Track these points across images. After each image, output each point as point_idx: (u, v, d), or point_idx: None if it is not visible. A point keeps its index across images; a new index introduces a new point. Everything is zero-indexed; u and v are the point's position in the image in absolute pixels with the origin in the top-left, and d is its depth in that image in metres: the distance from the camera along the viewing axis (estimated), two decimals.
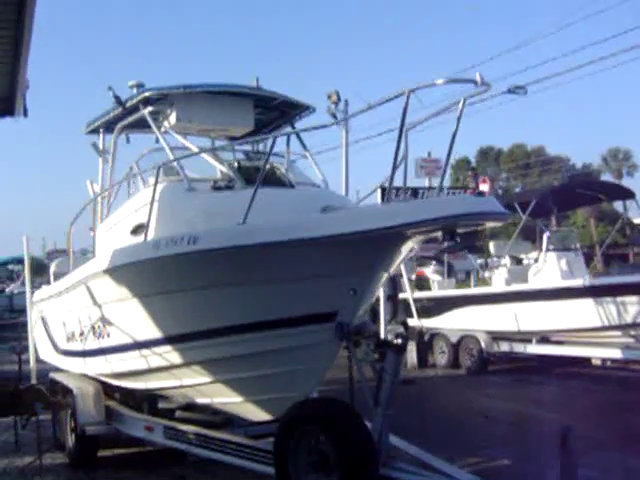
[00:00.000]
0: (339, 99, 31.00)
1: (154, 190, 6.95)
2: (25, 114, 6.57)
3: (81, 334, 8.66)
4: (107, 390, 8.95)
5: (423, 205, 5.56)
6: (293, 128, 9.20)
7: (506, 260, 16.77)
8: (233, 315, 6.35)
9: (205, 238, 6.09)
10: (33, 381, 10.46)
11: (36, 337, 11.66)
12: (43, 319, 10.79)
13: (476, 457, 8.49)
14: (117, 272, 7.15)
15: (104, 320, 7.87)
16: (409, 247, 5.98)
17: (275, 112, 9.32)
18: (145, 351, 7.41)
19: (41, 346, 11.31)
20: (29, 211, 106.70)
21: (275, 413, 6.73)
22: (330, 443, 5.53)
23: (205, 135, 9.12)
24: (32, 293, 11.96)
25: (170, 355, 7.16)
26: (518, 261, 16.50)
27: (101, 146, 9.30)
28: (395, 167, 5.49)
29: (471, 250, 16.54)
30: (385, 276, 6.44)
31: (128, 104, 8.25)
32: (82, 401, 8.33)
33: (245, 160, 8.21)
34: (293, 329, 6.17)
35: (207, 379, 7.11)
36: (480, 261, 20.64)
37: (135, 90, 8.26)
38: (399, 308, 19.30)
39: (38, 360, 11.67)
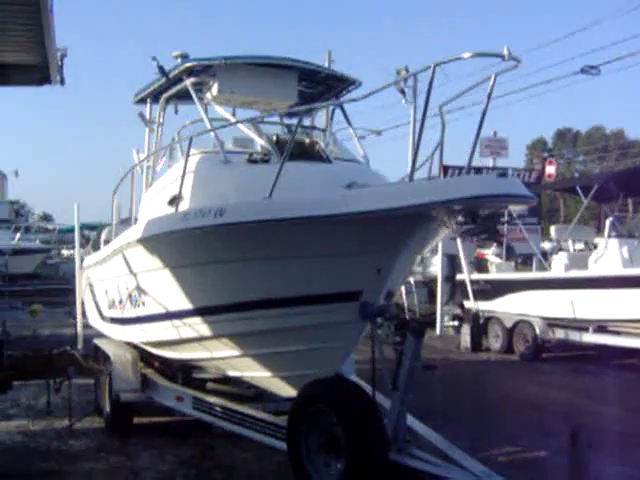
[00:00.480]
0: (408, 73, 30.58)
1: (185, 161, 6.91)
2: (62, 82, 6.57)
3: (120, 302, 8.77)
4: (147, 358, 9.07)
5: (439, 186, 5.32)
6: (341, 106, 8.98)
7: (568, 244, 16.28)
8: (258, 290, 6.29)
9: (231, 211, 6.02)
10: (79, 346, 10.67)
11: (85, 303, 11.89)
12: (90, 285, 10.99)
13: (512, 446, 8.26)
14: (149, 242, 7.17)
15: (139, 289, 7.93)
16: (438, 227, 5.75)
17: (321, 86, 9.13)
18: (177, 321, 7.43)
19: (89, 312, 11.53)
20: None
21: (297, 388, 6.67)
22: (340, 426, 5.43)
23: (249, 107, 9.00)
24: (81, 260, 12.20)
25: (200, 327, 7.16)
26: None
27: (148, 116, 9.32)
28: (418, 144, 5.27)
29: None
30: (415, 257, 6.26)
31: (171, 74, 8.21)
32: (118, 368, 8.43)
33: (286, 134, 8.08)
34: (317, 307, 6.07)
35: (236, 352, 7.09)
36: (548, 245, 20.11)
37: (179, 61, 8.21)
38: (457, 290, 19.07)
39: (88, 326, 11.91)
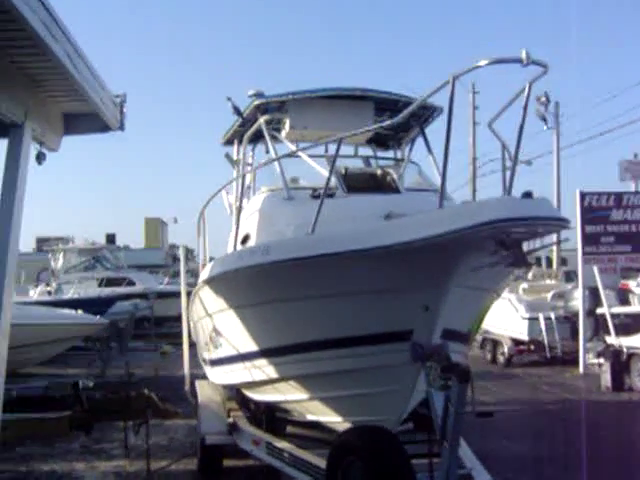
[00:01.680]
0: (549, 101, 29.36)
1: (240, 201, 6.85)
2: (122, 128, 6.69)
3: (206, 343, 8.77)
4: (243, 401, 8.97)
5: (458, 213, 4.81)
6: (422, 131, 8.59)
7: None
8: (304, 331, 6.03)
9: (275, 249, 5.83)
10: (186, 387, 10.78)
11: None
12: (194, 325, 11.13)
13: None
14: (212, 283, 7.11)
15: (215, 330, 7.89)
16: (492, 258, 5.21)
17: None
18: (247, 363, 7.29)
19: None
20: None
21: None
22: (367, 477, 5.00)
23: (323, 142, 8.81)
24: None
25: (267, 369, 6.98)
26: None
27: (235, 156, 9.36)
28: (445, 168, 4.82)
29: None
30: (484, 293, 5.74)
31: (245, 114, 8.21)
32: (204, 410, 8.40)
33: (356, 167, 7.83)
34: (366, 348, 5.71)
35: (303, 395, 6.83)
36: None
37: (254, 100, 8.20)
38: (600, 324, 17.70)
39: None
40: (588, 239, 17.57)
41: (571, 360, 17.90)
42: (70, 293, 23.43)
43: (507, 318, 19.26)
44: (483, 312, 6.36)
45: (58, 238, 33.68)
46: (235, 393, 9.13)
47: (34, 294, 24.37)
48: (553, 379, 16.66)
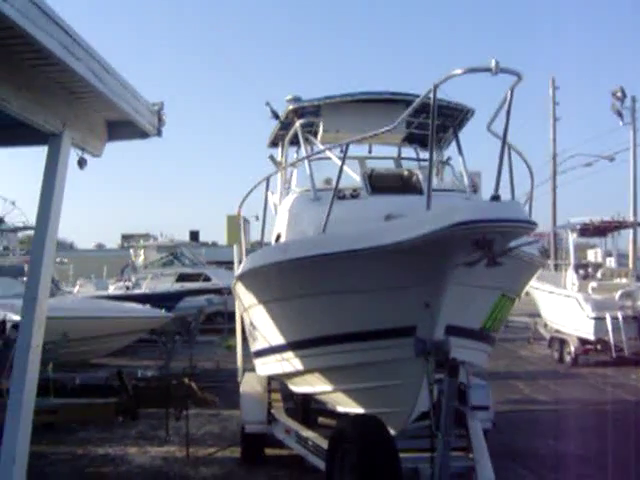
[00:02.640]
0: (624, 95, 28.62)
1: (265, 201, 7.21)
2: (159, 134, 7.17)
3: (249, 335, 9.21)
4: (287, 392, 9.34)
5: (435, 216, 5.01)
6: (455, 133, 8.75)
7: None
8: (319, 326, 6.37)
9: (291, 248, 6.18)
10: (239, 379, 11.25)
11: None
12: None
13: None
14: (244, 278, 7.52)
15: (252, 324, 8.30)
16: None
17: (441, 117, 8.96)
18: (277, 355, 7.67)
19: None
20: None
21: (395, 428, 6.54)
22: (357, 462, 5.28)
23: (360, 144, 9.09)
24: None
25: (294, 361, 7.33)
26: None
27: (279, 158, 9.77)
28: (431, 163, 5.05)
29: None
30: (472, 290, 5.91)
31: (282, 118, 8.59)
32: (245, 400, 8.82)
33: (384, 168, 8.09)
34: (375, 342, 5.99)
35: (327, 387, 7.15)
36: None
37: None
38: None
39: None
40: None
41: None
42: (142, 288, 24.45)
43: (574, 317, 19.02)
44: (497, 310, 6.49)
45: (142, 235, 35.04)
46: (281, 385, 9.52)
47: (112, 289, 25.54)
48: (617, 380, 16.37)
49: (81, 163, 6.90)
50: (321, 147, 8.35)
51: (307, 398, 8.56)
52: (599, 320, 18.02)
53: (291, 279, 6.33)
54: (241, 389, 8.99)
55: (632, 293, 18.77)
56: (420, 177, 7.66)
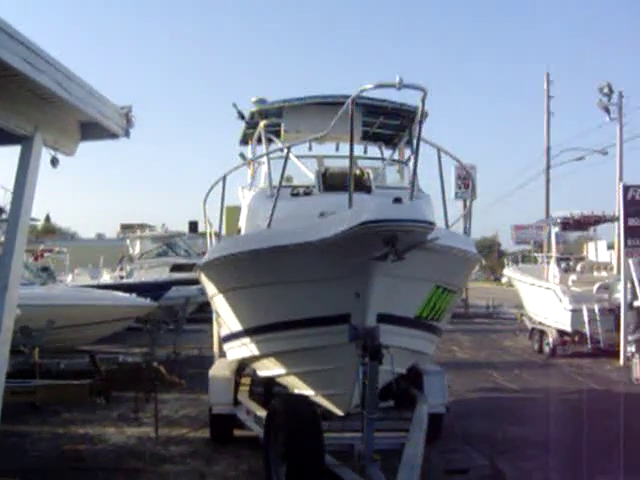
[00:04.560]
0: (611, 91, 28.98)
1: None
2: (127, 135, 7.69)
3: (215, 321, 9.79)
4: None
5: (346, 217, 5.55)
6: (410, 135, 9.27)
7: None
8: (265, 314, 6.93)
9: (240, 242, 6.75)
10: (216, 363, 11.83)
11: None
12: None
13: None
14: (203, 269, 8.11)
15: (216, 311, 8.89)
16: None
17: (398, 118, 9.50)
18: (236, 342, 8.24)
19: None
20: None
21: (340, 409, 7.11)
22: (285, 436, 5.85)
23: (321, 143, 9.62)
24: None
25: (250, 346, 7.90)
26: None
27: (249, 155, 10.31)
28: (351, 164, 5.59)
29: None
30: (402, 281, 6.42)
31: (247, 118, 9.14)
32: (212, 382, 9.38)
33: (338, 167, 8.60)
34: (315, 329, 6.56)
35: (281, 371, 7.72)
36: None
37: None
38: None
39: None
40: (631, 232, 17.66)
41: (616, 352, 18.04)
42: (133, 277, 25.08)
43: (552, 309, 19.57)
44: (433, 300, 7.02)
45: (140, 225, 35.58)
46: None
47: (107, 278, 26.16)
48: (591, 370, 16.91)
49: (54, 162, 7.44)
50: (280, 145, 8.91)
51: (270, 382, 9.13)
52: (576, 312, 18.55)
53: (239, 271, 6.92)
54: (210, 372, 9.54)
55: (609, 286, 19.28)
56: (371, 176, 8.20)
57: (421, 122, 5.64)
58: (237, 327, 7.94)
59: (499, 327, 29.20)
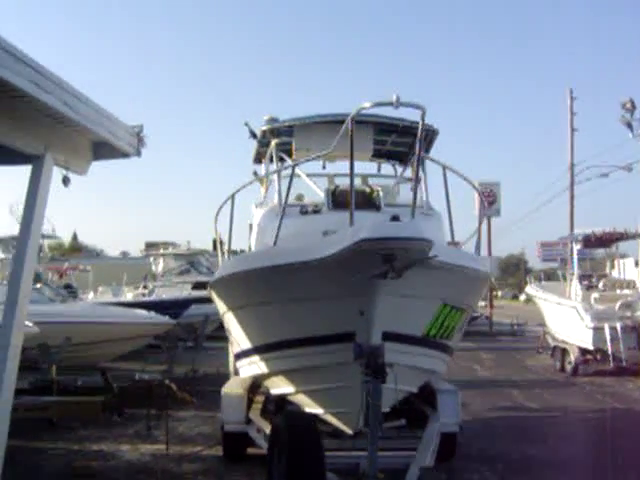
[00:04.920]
0: (634, 107, 28.83)
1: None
2: (138, 154, 7.78)
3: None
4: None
5: (348, 234, 5.54)
6: (426, 152, 9.25)
7: None
8: (272, 332, 6.93)
9: (247, 259, 6.78)
10: (230, 381, 11.86)
11: None
12: None
13: None
14: (213, 287, 8.14)
15: (227, 329, 8.91)
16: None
17: (412, 137, 9.49)
18: (246, 359, 8.26)
19: None
20: None
21: (350, 427, 7.08)
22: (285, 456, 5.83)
23: (332, 161, 9.65)
24: None
25: (260, 364, 7.91)
26: None
27: (263, 173, 10.38)
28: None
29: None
30: (408, 300, 6.40)
31: (259, 137, 9.21)
32: (225, 400, 9.38)
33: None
34: (321, 347, 6.55)
35: (290, 389, 7.71)
36: None
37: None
38: None
39: None
40: None
41: (638, 371, 17.78)
42: (154, 295, 25.25)
43: (574, 327, 19.34)
44: (441, 318, 6.98)
45: (164, 243, 35.89)
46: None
47: (130, 296, 26.38)
48: (613, 389, 16.67)
49: (65, 181, 7.54)
50: (290, 163, 8.96)
51: (282, 400, 9.12)
52: (598, 330, 18.30)
53: (245, 288, 6.96)
54: (222, 390, 9.55)
55: (632, 304, 19.01)
56: (381, 194, 8.21)
57: (421, 140, 5.66)
58: (247, 345, 7.95)
59: (522, 345, 28.93)
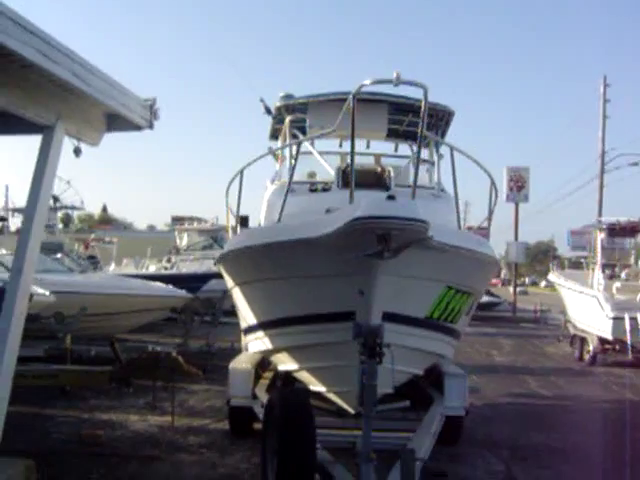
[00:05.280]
0: None
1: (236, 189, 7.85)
2: (151, 127, 7.79)
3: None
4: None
5: (344, 213, 5.49)
6: (437, 134, 9.18)
7: None
8: (277, 308, 6.95)
9: (252, 235, 6.78)
10: (239, 356, 11.93)
11: None
12: None
13: None
14: (221, 262, 8.17)
15: (234, 304, 8.95)
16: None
17: (429, 118, 9.38)
18: (253, 335, 8.29)
19: None
20: None
21: (351, 407, 7.09)
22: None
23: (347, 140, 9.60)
24: None
25: (265, 340, 7.93)
26: None
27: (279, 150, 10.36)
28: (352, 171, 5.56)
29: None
30: (408, 280, 6.35)
31: (274, 113, 9.19)
32: (232, 375, 9.43)
33: (360, 164, 8.58)
34: (322, 325, 6.55)
35: (295, 366, 7.73)
36: None
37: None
38: None
39: None
40: None
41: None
42: (175, 269, 25.46)
43: (594, 316, 19.15)
44: (445, 301, 6.92)
45: (190, 218, 36.11)
46: None
47: (153, 269, 26.64)
48: (630, 380, 16.46)
49: (77, 152, 7.59)
50: (307, 143, 8.92)
51: (288, 376, 9.14)
52: (617, 320, 18.09)
53: (250, 264, 6.96)
54: (230, 365, 9.61)
55: None
56: (392, 174, 8.15)
57: (424, 119, 5.58)
58: (252, 320, 7.98)
59: (544, 332, 28.75)
